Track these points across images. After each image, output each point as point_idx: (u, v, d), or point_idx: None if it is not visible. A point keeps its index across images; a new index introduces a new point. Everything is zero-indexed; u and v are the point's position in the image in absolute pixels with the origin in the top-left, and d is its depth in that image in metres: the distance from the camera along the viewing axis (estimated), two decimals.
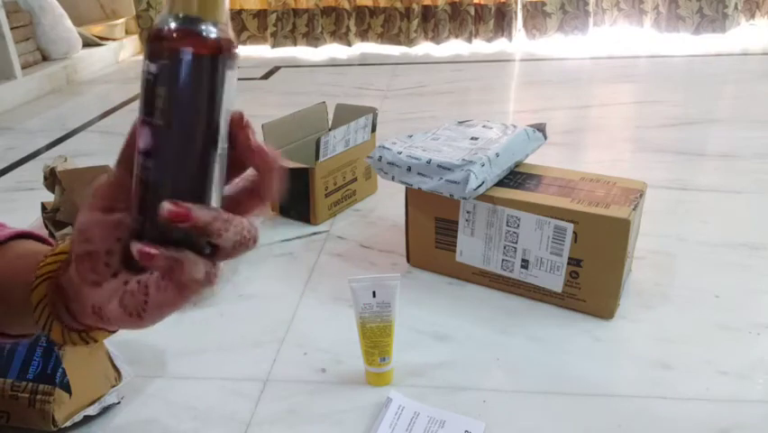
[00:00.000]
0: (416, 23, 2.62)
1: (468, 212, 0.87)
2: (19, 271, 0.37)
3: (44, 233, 1.06)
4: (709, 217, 1.08)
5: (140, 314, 0.32)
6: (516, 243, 0.84)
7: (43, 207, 1.03)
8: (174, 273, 0.31)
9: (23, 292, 0.36)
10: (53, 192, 1.02)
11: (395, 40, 2.69)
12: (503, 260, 0.86)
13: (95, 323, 0.35)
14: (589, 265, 0.80)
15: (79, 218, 0.34)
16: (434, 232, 0.92)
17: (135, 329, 0.34)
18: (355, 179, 1.17)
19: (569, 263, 0.81)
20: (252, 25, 2.78)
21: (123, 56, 2.71)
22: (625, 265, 0.80)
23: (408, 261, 0.97)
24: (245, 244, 0.32)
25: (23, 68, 2.13)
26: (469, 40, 2.64)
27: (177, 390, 0.73)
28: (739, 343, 0.77)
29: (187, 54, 0.28)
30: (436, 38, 2.67)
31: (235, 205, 0.33)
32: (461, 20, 2.63)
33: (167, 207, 0.29)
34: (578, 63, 2.32)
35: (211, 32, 0.29)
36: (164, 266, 0.30)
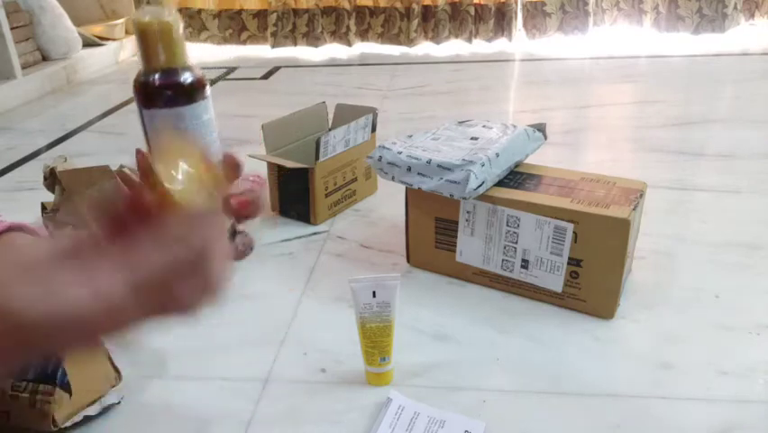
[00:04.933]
0: (416, 23, 2.62)
1: (468, 212, 0.87)
2: None
3: (43, 232, 1.06)
4: (709, 217, 1.08)
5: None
6: (516, 243, 0.84)
7: (43, 207, 1.03)
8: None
9: None
10: (53, 192, 1.02)
11: (395, 40, 2.69)
12: (503, 260, 0.86)
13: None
14: (589, 265, 0.80)
15: None
16: (434, 232, 0.92)
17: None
18: (355, 179, 1.17)
19: (569, 263, 0.81)
20: (252, 25, 2.78)
21: (122, 56, 2.71)
22: (625, 265, 0.80)
23: (408, 261, 0.97)
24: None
25: (23, 68, 2.13)
26: (469, 40, 2.64)
27: (177, 390, 0.73)
28: (739, 343, 0.77)
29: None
30: (436, 38, 2.67)
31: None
32: (461, 20, 2.63)
33: None
34: (578, 63, 2.31)
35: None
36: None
